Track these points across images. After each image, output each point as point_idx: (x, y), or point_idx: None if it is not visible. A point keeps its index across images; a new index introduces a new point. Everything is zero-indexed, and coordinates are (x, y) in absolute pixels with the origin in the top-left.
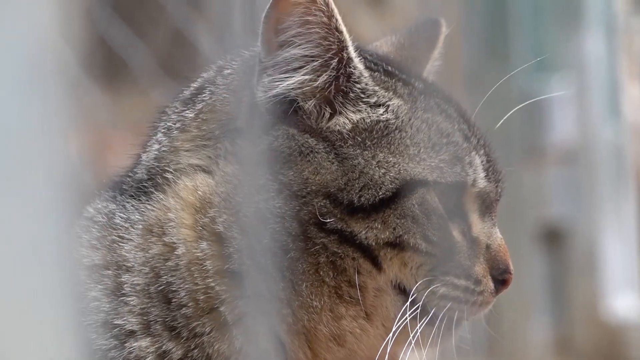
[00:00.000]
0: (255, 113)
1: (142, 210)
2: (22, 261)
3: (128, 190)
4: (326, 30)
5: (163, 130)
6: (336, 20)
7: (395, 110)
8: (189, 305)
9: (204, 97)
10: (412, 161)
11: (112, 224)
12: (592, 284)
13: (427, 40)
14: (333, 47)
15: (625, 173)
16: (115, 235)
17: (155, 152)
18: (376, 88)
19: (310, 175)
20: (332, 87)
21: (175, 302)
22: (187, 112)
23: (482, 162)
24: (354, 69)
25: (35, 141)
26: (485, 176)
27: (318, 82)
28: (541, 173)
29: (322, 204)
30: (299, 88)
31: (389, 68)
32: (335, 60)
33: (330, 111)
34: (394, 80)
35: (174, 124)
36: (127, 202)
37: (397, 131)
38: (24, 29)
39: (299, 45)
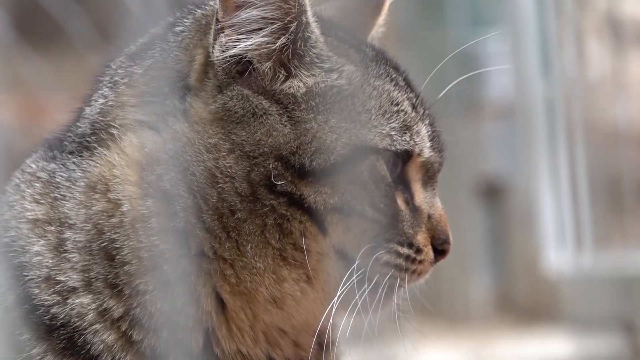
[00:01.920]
0: (209, 72)
1: (84, 167)
2: None
3: (69, 146)
4: None
5: (109, 85)
6: None
7: (348, 76)
8: (132, 262)
9: (154, 53)
10: (363, 128)
11: (53, 182)
12: (530, 238)
13: (373, 6)
14: (293, 10)
15: (558, 128)
16: (57, 193)
17: (101, 107)
18: (330, 54)
19: (262, 136)
20: (289, 50)
21: (118, 259)
22: (134, 67)
23: (427, 132)
24: (311, 34)
25: None
26: (430, 146)
27: (276, 45)
28: (478, 128)
29: (273, 165)
30: (256, 50)
31: (340, 34)
32: (294, 24)
33: (285, 74)
34: (346, 46)
35: (121, 79)
36: (68, 160)
37: (350, 97)
38: None
39: (259, 7)
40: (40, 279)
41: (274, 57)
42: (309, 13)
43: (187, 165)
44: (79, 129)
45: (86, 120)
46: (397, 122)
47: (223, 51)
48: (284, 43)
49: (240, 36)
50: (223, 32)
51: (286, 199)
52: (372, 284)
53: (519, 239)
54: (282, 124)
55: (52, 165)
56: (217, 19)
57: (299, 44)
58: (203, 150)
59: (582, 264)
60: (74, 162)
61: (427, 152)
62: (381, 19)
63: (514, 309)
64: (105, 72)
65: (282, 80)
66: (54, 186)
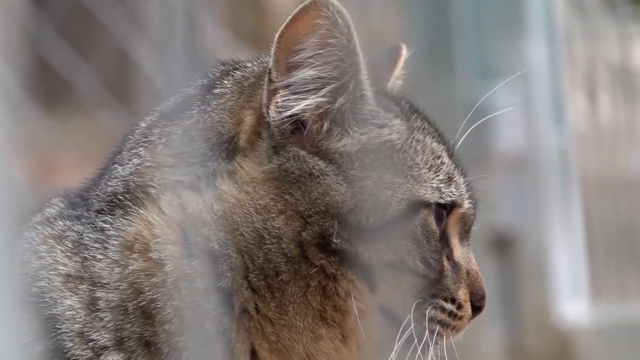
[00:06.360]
0: (262, 133)
1: (118, 225)
2: None
3: (96, 205)
4: (345, 52)
5: (143, 144)
6: (355, 43)
7: (398, 130)
8: (172, 321)
9: (193, 113)
10: (416, 182)
11: (82, 243)
12: (542, 290)
13: (388, 61)
14: (350, 69)
15: (571, 179)
16: (86, 254)
17: (136, 167)
18: (379, 109)
19: (319, 196)
20: (345, 109)
21: (159, 318)
22: (173, 127)
23: (464, 183)
24: (366, 92)
25: None
26: (468, 197)
27: (335, 105)
28: (489, 180)
29: (329, 224)
30: (315, 109)
31: (376, 88)
32: (352, 83)
33: (339, 132)
34: (388, 100)
35: (158, 139)
36: (96, 219)
37: (401, 152)
38: None
39: (317, 67)
40: (73, 333)
41: (330, 116)
42: (364, 72)
43: (236, 226)
44: (109, 188)
45: (118, 179)
46: (442, 174)
47: (280, 112)
48: (342, 102)
49: (296, 96)
50: (278, 93)
51: (338, 257)
52: (419, 339)
53: (530, 291)
54: (338, 183)
55: (79, 226)
56: (270, 80)
57: (355, 102)
58: (252, 211)
59: (599, 315)
60: (103, 222)
61: (466, 204)
62: (397, 72)
63: (526, 359)
64: (135, 130)
65: (336, 139)
66: (83, 247)
